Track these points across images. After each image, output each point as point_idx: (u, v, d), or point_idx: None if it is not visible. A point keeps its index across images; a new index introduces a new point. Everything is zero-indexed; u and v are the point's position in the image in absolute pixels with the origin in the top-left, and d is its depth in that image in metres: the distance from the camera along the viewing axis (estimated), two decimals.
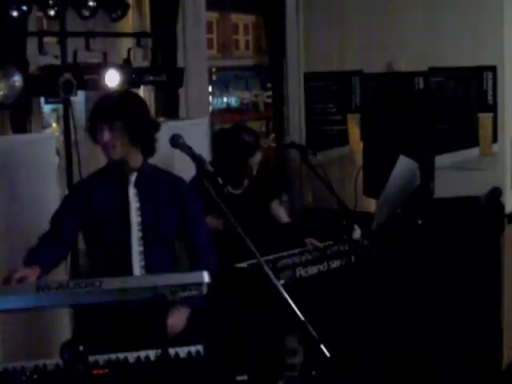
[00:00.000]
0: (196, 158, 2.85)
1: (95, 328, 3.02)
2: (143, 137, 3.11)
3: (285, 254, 4.10)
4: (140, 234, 3.11)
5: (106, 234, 3.12)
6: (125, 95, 3.30)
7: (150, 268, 3.09)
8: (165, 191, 3.19)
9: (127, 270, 3.06)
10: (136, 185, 3.14)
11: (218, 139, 4.43)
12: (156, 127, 3.19)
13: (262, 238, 4.06)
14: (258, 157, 4.19)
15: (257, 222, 4.22)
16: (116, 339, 2.84)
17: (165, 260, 3.15)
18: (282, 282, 3.65)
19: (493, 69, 4.95)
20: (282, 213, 4.43)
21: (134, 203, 3.12)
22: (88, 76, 4.05)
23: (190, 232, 3.27)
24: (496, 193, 4.95)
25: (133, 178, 3.14)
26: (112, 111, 3.04)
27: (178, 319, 3.05)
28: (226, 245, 3.99)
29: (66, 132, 4.10)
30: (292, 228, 4.43)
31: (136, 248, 3.11)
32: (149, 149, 3.16)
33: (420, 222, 4.61)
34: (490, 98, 4.99)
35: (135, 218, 3.11)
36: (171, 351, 2.51)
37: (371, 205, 4.98)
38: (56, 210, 3.20)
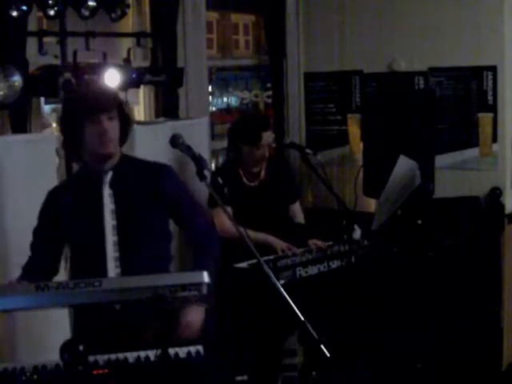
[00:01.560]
0: (196, 158, 2.85)
1: (95, 328, 2.90)
2: (128, 126, 3.03)
3: (285, 253, 4.10)
4: (115, 239, 2.94)
5: (80, 241, 2.98)
6: (101, 86, 3.23)
7: (127, 275, 2.87)
8: (146, 186, 3.01)
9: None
10: (111, 185, 2.97)
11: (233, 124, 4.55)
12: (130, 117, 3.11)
13: (274, 232, 4.16)
14: (269, 135, 4.28)
15: (271, 217, 4.28)
16: (116, 340, 2.79)
17: (146, 265, 2.89)
18: (281, 282, 3.65)
19: (493, 69, 4.94)
20: (298, 213, 4.48)
21: (109, 205, 2.95)
22: (88, 76, 4.05)
23: (185, 222, 3.12)
24: (496, 193, 4.95)
25: (107, 177, 2.98)
26: (109, 100, 2.93)
27: (196, 316, 2.92)
28: (227, 245, 4.03)
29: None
30: (301, 229, 4.45)
31: (111, 254, 2.93)
32: (126, 135, 3.05)
33: (420, 221, 4.61)
34: (490, 97, 4.98)
35: (110, 221, 2.94)
36: (171, 351, 2.51)
37: (371, 205, 4.98)
38: (33, 237, 3.05)
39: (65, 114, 2.99)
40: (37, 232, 3.06)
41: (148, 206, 2.99)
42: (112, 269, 2.93)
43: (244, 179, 4.28)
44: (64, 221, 2.98)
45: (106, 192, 2.97)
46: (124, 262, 2.94)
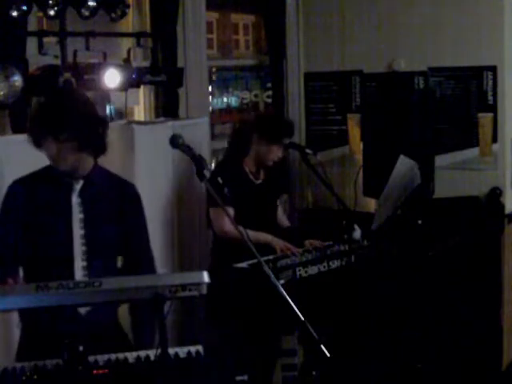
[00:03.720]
0: (196, 158, 2.84)
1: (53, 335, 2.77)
2: (93, 139, 2.87)
3: (284, 253, 4.10)
4: (83, 248, 2.90)
5: (44, 247, 2.90)
6: (65, 99, 2.93)
7: None
8: (111, 200, 2.98)
9: None
10: (81, 193, 2.92)
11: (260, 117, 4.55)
12: (103, 124, 2.94)
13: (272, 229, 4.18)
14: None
15: (270, 215, 4.36)
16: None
17: (111, 275, 2.78)
18: (281, 281, 3.65)
19: (493, 69, 4.95)
20: (283, 217, 4.53)
21: (77, 214, 2.90)
22: (88, 76, 4.05)
23: (130, 246, 3.03)
24: (496, 193, 4.95)
25: (78, 186, 2.92)
26: (55, 122, 2.79)
27: None
28: (227, 245, 4.03)
29: None
30: (293, 231, 4.47)
31: (79, 263, 2.89)
32: (100, 149, 2.94)
33: (420, 221, 4.61)
34: (490, 98, 4.99)
35: (78, 230, 2.89)
36: (171, 351, 2.51)
37: (371, 205, 4.98)
38: None
39: (31, 122, 2.93)
40: None
41: (113, 219, 2.96)
42: (79, 278, 2.87)
43: (250, 176, 4.28)
44: (26, 219, 2.91)
45: (75, 200, 2.92)
46: (91, 271, 2.90)
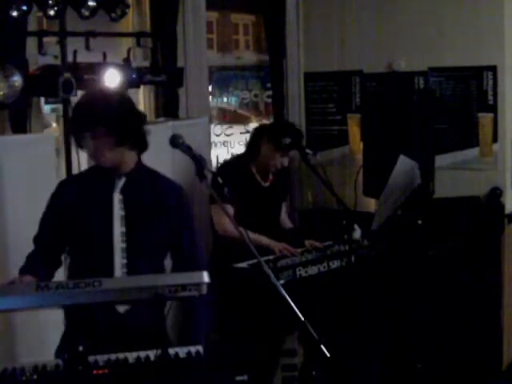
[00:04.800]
0: (196, 158, 2.84)
1: (93, 331, 2.82)
2: (131, 134, 2.88)
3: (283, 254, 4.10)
4: (123, 245, 2.89)
5: (87, 244, 2.92)
6: (100, 96, 2.97)
7: None
8: (155, 198, 2.95)
9: None
10: (123, 191, 2.92)
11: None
12: (141, 119, 2.97)
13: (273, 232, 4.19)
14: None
15: (274, 218, 4.40)
16: (115, 345, 2.70)
17: (151, 273, 2.83)
18: (281, 281, 3.65)
19: (493, 69, 4.95)
20: (286, 218, 4.54)
21: (118, 211, 2.90)
22: (88, 76, 4.05)
23: (181, 246, 3.02)
24: (496, 193, 4.95)
25: (120, 183, 2.92)
26: (91, 118, 2.81)
27: None
28: (227, 245, 4.03)
29: (66, 132, 4.09)
30: (293, 231, 4.48)
31: (118, 260, 2.89)
32: (141, 144, 2.95)
33: (420, 221, 4.61)
34: (490, 97, 4.98)
35: (118, 227, 2.89)
36: (171, 351, 2.51)
37: (371, 205, 4.98)
38: (38, 227, 2.99)
39: (71, 122, 2.99)
40: (43, 222, 3.01)
41: (155, 218, 2.94)
42: (119, 275, 2.88)
43: (258, 178, 4.31)
44: (71, 216, 2.92)
45: (117, 197, 2.92)
46: (131, 269, 2.90)
